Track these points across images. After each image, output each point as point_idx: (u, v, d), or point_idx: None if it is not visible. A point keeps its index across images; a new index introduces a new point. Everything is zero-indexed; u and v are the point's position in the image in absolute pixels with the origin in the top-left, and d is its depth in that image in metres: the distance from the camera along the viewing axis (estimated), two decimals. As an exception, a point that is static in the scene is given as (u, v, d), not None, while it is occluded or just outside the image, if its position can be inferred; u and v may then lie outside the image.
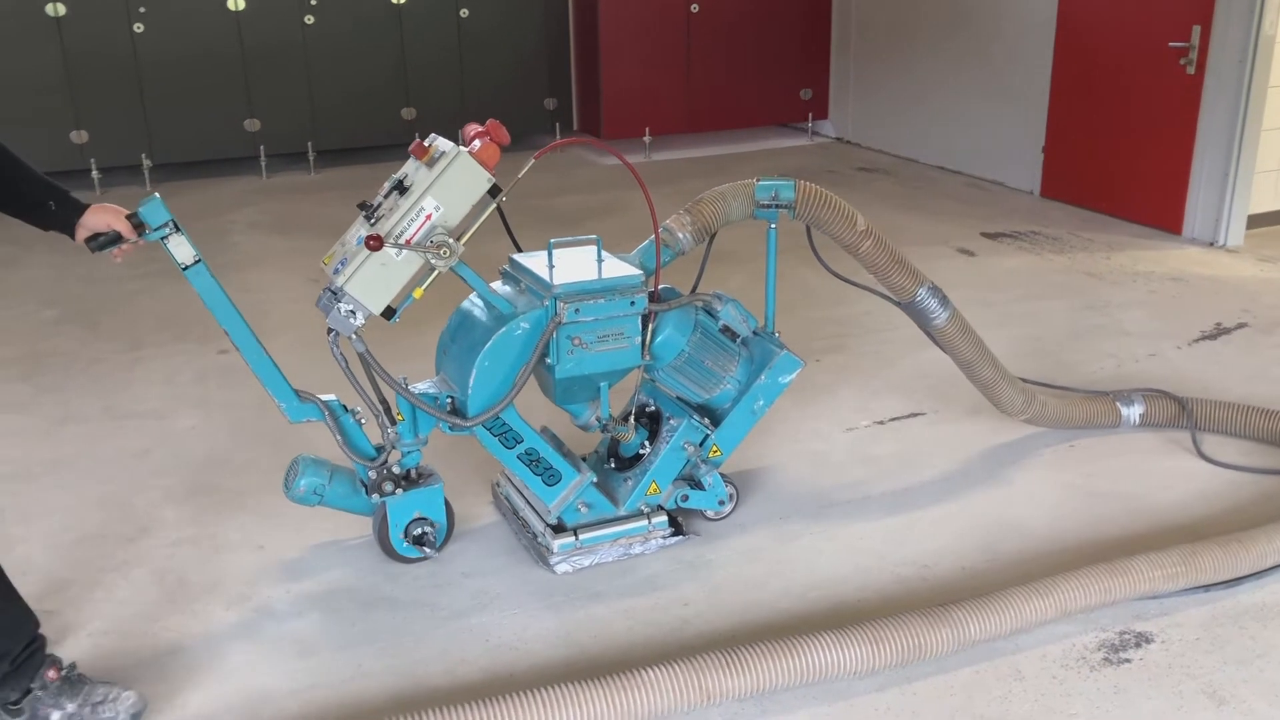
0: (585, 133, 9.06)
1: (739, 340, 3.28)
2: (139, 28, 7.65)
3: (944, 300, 3.46)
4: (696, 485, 3.28)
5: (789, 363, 3.27)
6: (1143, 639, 2.80)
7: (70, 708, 2.42)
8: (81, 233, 2.58)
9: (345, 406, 3.05)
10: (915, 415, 4.08)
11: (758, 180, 3.26)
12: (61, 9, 7.44)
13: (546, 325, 2.90)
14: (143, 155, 7.84)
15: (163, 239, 2.69)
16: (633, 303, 2.97)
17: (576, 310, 2.90)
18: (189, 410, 4.22)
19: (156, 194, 2.71)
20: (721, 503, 3.33)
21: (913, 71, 8.41)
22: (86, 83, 7.62)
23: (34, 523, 3.44)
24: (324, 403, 2.99)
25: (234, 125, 8.07)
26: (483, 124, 2.86)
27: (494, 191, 2.82)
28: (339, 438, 2.98)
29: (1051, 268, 5.87)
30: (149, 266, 6.10)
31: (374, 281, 2.77)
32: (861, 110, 9.12)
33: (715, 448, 3.28)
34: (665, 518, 3.25)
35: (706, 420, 3.25)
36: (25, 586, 3.07)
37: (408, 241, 2.75)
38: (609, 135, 8.76)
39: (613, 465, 3.32)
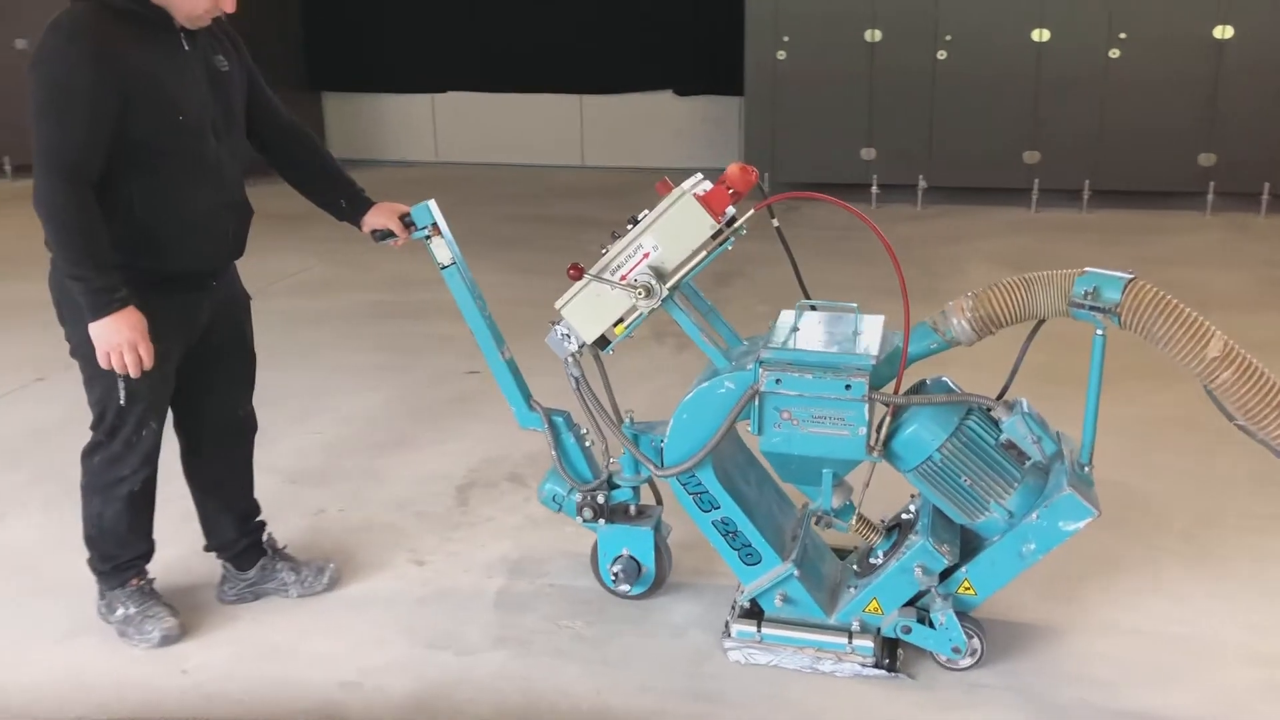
0: None
1: (1028, 463, 2.59)
2: (942, 55, 7.98)
3: None
4: (928, 620, 2.70)
5: (1073, 507, 2.53)
6: None
7: (130, 609, 2.97)
8: (365, 227, 3.02)
9: (571, 423, 3.06)
10: None
11: (1084, 271, 2.53)
12: (878, 35, 8.08)
13: (746, 390, 2.64)
14: (920, 176, 8.20)
15: (425, 238, 2.97)
16: (848, 386, 2.56)
17: (778, 381, 2.60)
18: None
19: (431, 200, 2.98)
20: (956, 650, 2.70)
21: None
22: (883, 104, 8.19)
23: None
24: (548, 415, 3.03)
25: (1013, 155, 8.02)
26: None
27: (718, 236, 2.65)
28: (554, 453, 3.02)
29: None
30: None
31: (588, 310, 2.77)
32: None
33: (967, 584, 2.67)
34: (870, 643, 2.76)
35: (947, 548, 2.66)
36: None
37: (623, 278, 2.71)
38: None
39: (855, 567, 2.87)
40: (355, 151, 10.48)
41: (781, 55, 8.20)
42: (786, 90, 8.29)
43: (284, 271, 6.64)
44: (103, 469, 2.87)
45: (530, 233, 7.67)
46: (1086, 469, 2.67)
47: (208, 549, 3.18)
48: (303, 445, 4.19)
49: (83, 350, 2.71)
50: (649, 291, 2.70)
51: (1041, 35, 7.76)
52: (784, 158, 8.43)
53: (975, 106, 7.99)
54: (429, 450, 4.17)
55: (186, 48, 2.69)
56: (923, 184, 8.20)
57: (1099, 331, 2.58)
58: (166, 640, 2.94)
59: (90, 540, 2.99)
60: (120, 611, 2.97)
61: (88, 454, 2.89)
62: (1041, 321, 2.67)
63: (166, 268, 2.76)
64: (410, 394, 4.67)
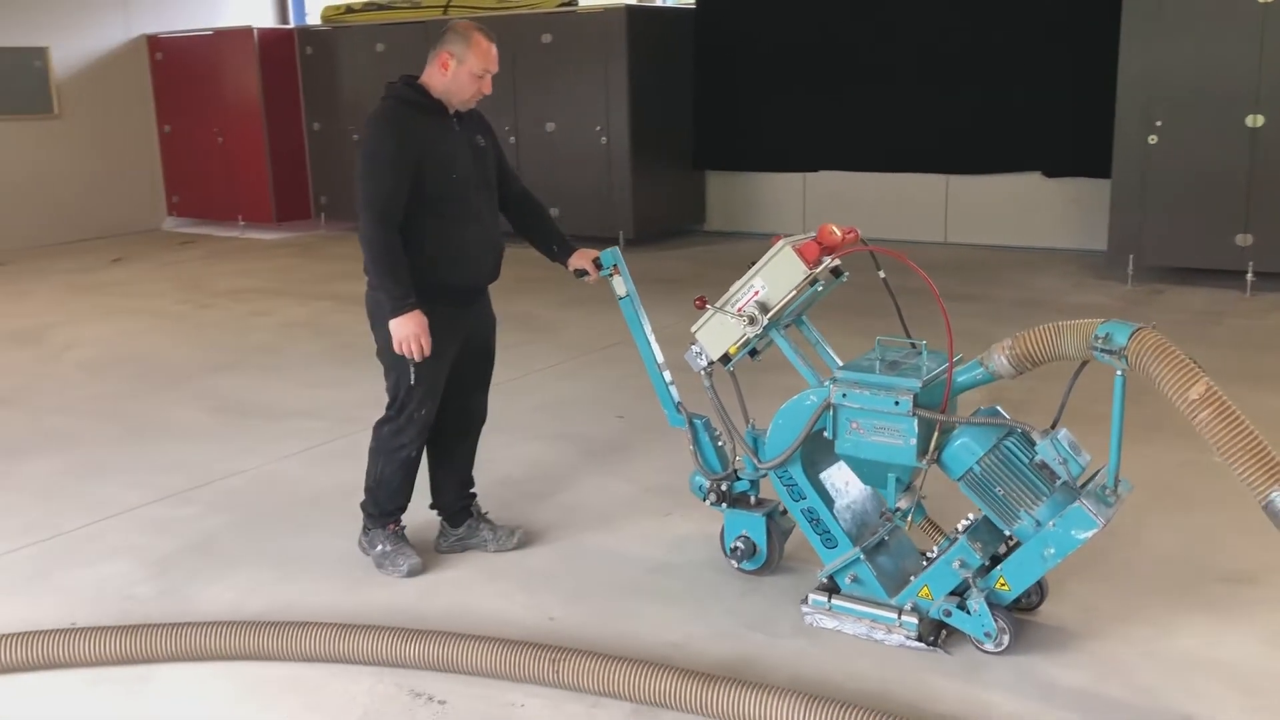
0: None
1: (1059, 482, 3.03)
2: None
3: None
4: (966, 607, 3.17)
5: (1081, 518, 2.93)
6: None
7: (387, 547, 3.88)
8: (570, 266, 3.93)
9: (709, 425, 3.74)
10: None
11: (1105, 320, 2.91)
12: (1260, 120, 7.83)
13: (823, 402, 3.26)
14: (1302, 265, 7.79)
15: (608, 276, 3.83)
16: (897, 403, 3.11)
17: (844, 395, 3.20)
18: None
19: (616, 247, 3.84)
20: (987, 634, 3.17)
21: None
22: (1263, 190, 7.89)
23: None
24: (690, 418, 3.72)
25: None
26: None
27: (812, 281, 3.32)
28: (690, 448, 3.72)
29: None
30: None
31: (715, 333, 3.48)
32: None
33: (1002, 580, 3.13)
34: (915, 620, 3.24)
35: (980, 546, 3.16)
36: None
37: (738, 309, 3.40)
38: None
39: (924, 563, 3.35)
40: (730, 224, 11.58)
41: (1153, 139, 8.20)
42: (1156, 174, 8.25)
43: (657, 325, 7.72)
44: (389, 438, 3.82)
45: (883, 302, 8.20)
46: (1108, 492, 3.06)
47: (431, 507, 4.07)
48: (656, 465, 4.91)
49: (385, 349, 3.72)
50: (753, 321, 3.42)
51: None
52: (1150, 241, 8.38)
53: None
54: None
55: (457, 129, 3.79)
56: (1306, 273, 7.77)
57: (1119, 373, 2.97)
58: (411, 573, 3.82)
59: (370, 490, 3.93)
60: (379, 548, 3.89)
61: (380, 425, 3.85)
62: (1085, 363, 3.08)
63: (447, 282, 3.74)
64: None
